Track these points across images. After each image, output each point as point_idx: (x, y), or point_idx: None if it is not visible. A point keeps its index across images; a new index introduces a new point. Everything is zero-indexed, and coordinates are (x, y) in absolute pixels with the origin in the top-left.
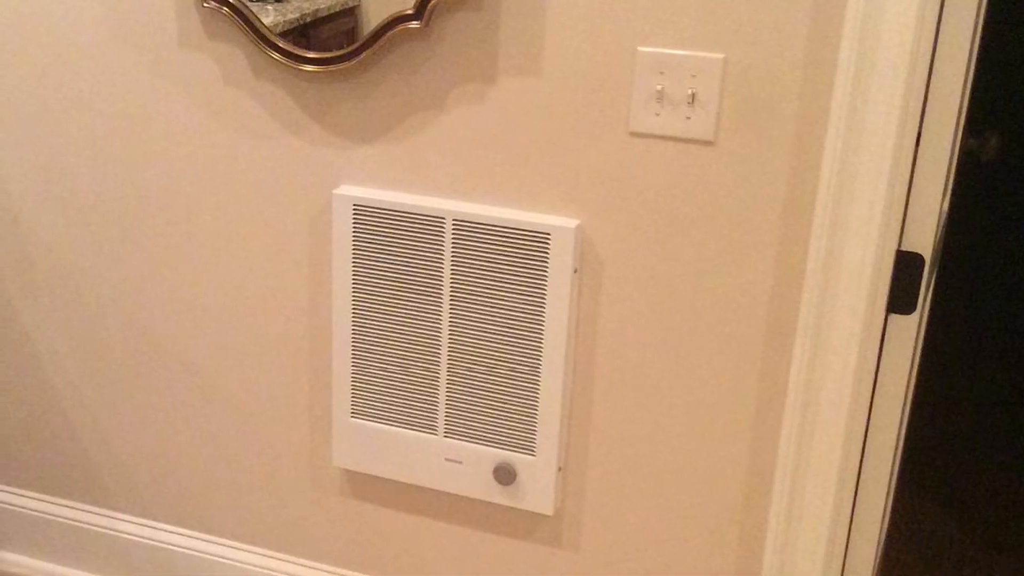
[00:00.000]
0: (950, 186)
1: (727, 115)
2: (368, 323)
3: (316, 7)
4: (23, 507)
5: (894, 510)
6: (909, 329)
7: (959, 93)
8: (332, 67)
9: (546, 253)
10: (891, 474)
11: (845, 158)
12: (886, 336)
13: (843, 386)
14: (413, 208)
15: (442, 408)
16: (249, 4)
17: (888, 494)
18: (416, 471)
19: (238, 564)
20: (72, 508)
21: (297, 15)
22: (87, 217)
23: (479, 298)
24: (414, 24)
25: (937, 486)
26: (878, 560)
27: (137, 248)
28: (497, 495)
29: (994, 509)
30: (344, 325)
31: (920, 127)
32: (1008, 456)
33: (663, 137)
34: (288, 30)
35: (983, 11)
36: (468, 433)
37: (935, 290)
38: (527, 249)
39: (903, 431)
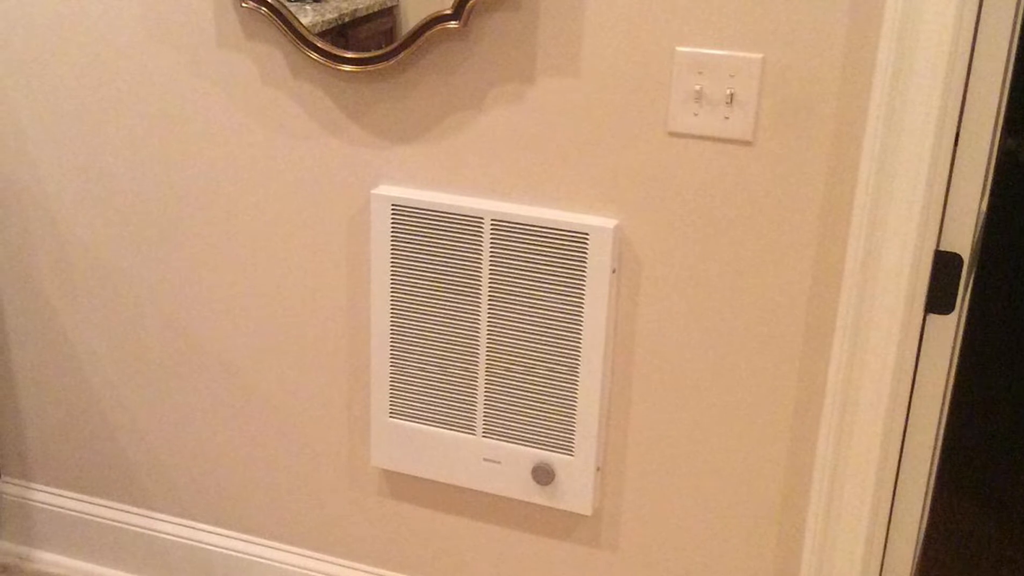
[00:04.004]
0: (988, 186)
1: (766, 115)
2: (406, 323)
3: (354, 7)
4: (62, 507)
5: (932, 510)
6: (947, 329)
7: (997, 93)
8: (370, 67)
9: (584, 253)
10: (929, 474)
11: (883, 158)
12: (924, 336)
13: (881, 386)
14: (451, 208)
15: (480, 408)
16: (288, 4)
17: (926, 494)
18: (454, 471)
19: (276, 564)
20: (110, 508)
21: (335, 15)
22: (125, 217)
23: (517, 298)
24: (452, 24)
25: (975, 486)
26: (916, 560)
27: (176, 248)
28: (536, 495)
29: None
30: (382, 325)
31: (958, 127)
32: None
33: (701, 137)
34: (326, 30)
35: (1022, 11)
36: (506, 433)
37: (973, 290)
38: (565, 249)
39: (941, 431)
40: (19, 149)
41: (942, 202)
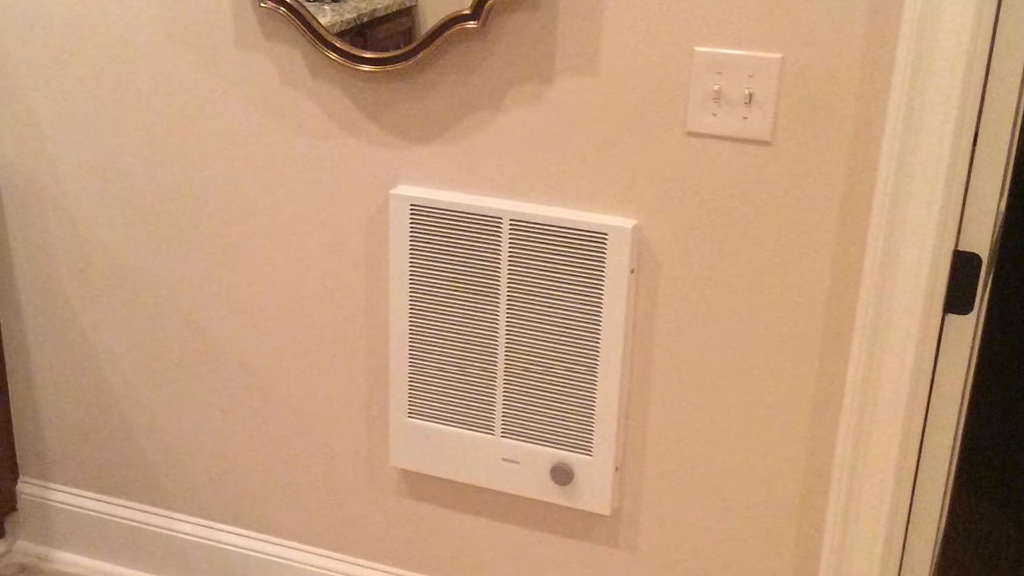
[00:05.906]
0: (1007, 186)
1: (784, 115)
2: (425, 323)
3: (373, 7)
4: (80, 507)
5: (951, 510)
6: (966, 329)
7: (1016, 93)
8: (389, 67)
9: (603, 253)
10: (948, 474)
11: (902, 158)
12: (943, 336)
13: (900, 386)
14: (470, 208)
15: (499, 408)
16: (306, 4)
17: (945, 494)
18: (473, 471)
19: (295, 564)
20: (129, 508)
21: (354, 15)
22: (144, 217)
23: (536, 298)
24: (471, 24)
25: (994, 486)
26: (935, 560)
27: (194, 248)
28: (554, 495)
29: None
30: (401, 325)
31: (977, 127)
32: None
33: (720, 137)
34: (345, 30)
35: None
36: (525, 433)
37: (992, 290)
38: (584, 249)
39: (960, 431)
40: (38, 149)
41: (961, 202)
